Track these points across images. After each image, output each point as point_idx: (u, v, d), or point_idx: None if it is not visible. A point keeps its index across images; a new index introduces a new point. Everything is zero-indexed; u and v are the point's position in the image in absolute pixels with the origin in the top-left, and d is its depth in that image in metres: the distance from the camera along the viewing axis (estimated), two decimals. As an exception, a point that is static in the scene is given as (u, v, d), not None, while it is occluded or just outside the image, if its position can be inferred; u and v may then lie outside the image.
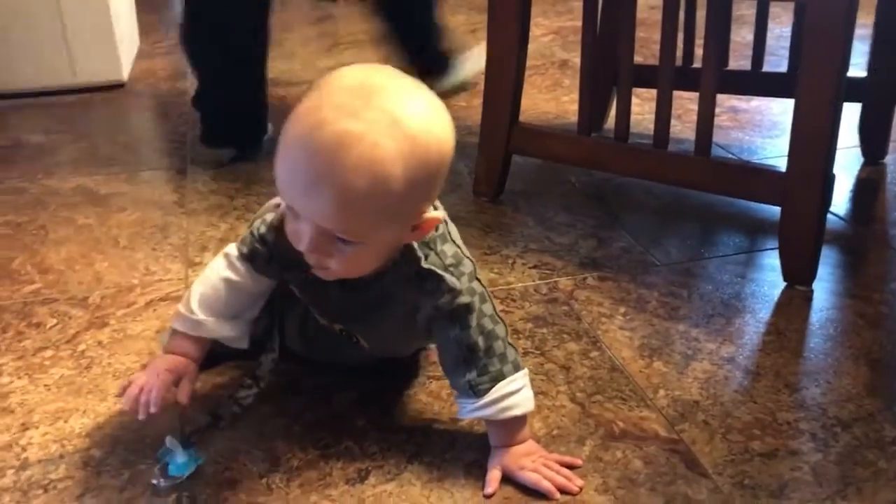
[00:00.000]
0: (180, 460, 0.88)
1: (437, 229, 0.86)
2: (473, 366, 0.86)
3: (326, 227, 0.75)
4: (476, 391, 0.87)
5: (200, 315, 0.92)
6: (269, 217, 0.90)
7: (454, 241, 0.88)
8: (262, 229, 0.90)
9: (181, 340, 0.93)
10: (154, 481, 0.88)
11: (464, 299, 0.85)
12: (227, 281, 0.93)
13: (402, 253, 0.84)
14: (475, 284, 0.87)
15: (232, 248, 0.94)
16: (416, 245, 0.84)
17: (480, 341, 0.86)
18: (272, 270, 0.92)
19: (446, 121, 0.77)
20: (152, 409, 0.86)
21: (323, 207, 0.73)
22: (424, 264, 0.84)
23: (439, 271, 0.84)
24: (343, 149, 0.70)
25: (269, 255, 0.90)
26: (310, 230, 0.76)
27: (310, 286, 0.90)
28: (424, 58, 1.98)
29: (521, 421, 0.89)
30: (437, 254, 0.85)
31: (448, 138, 0.76)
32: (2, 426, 0.97)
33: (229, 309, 0.93)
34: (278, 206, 0.88)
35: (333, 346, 1.00)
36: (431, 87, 0.77)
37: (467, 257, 0.87)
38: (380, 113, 0.71)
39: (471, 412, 0.88)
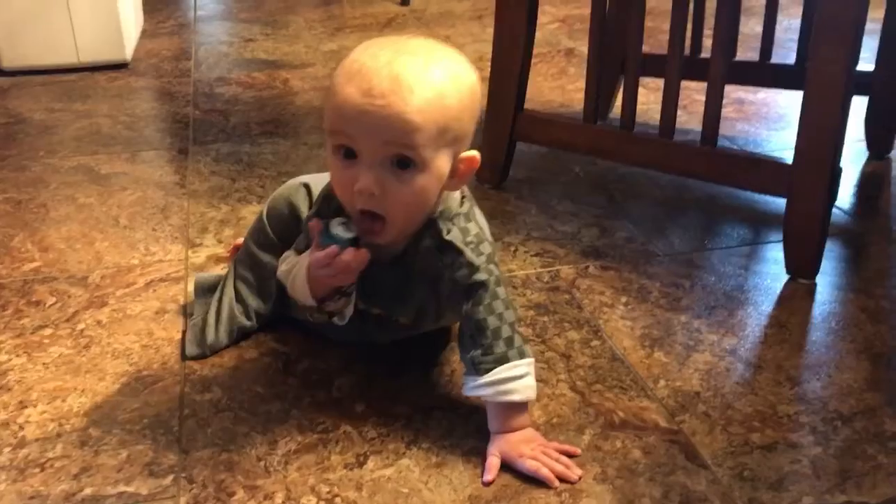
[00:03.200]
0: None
1: (462, 205, 0.90)
2: (479, 344, 0.88)
3: (389, 149, 0.80)
4: (478, 369, 0.88)
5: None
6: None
7: (477, 222, 0.91)
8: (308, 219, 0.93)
9: None
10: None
11: (480, 276, 0.88)
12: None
13: (426, 226, 0.88)
14: (492, 267, 0.89)
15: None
16: (439, 220, 0.88)
17: (490, 321, 0.88)
18: None
19: (471, 69, 0.86)
20: None
21: (394, 115, 0.78)
22: (446, 237, 0.88)
23: (459, 245, 0.88)
24: (406, 67, 0.79)
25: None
26: (369, 161, 0.81)
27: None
28: None
29: (519, 408, 0.89)
30: (459, 230, 0.89)
31: (475, 82, 0.86)
32: (-1, 403, 0.97)
33: None
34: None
35: (364, 329, 1.01)
36: None
37: (488, 240, 0.91)
38: (420, 48, 0.82)
39: (471, 389, 0.89)
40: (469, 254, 0.88)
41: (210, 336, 1.05)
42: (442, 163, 0.83)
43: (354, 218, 0.85)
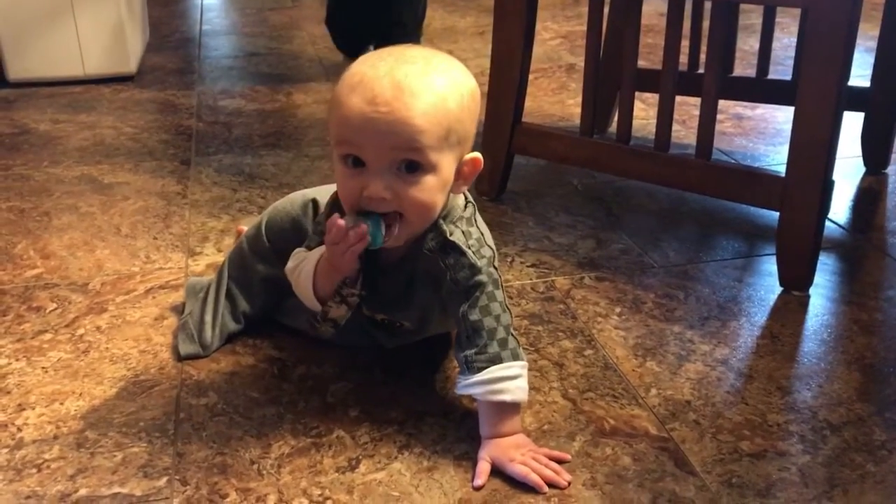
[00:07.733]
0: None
1: (465, 210, 0.92)
2: (474, 344, 0.90)
3: (397, 154, 0.82)
4: (470, 367, 0.90)
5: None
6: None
7: (479, 227, 0.93)
8: (322, 219, 0.95)
9: None
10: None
11: (480, 278, 0.90)
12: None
13: (430, 229, 0.90)
14: (492, 270, 0.91)
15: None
16: (443, 223, 0.90)
17: (486, 322, 0.89)
18: None
19: (469, 74, 0.88)
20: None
21: (398, 120, 0.80)
22: (450, 237, 0.90)
23: (462, 246, 0.90)
24: (406, 74, 0.82)
25: None
26: (377, 168, 0.82)
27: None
28: None
29: (510, 411, 0.90)
30: (462, 232, 0.91)
31: (474, 86, 0.88)
32: (-2, 406, 0.98)
33: None
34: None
35: (370, 333, 1.04)
36: None
37: (489, 245, 0.92)
38: (418, 56, 0.85)
39: (463, 388, 0.91)
40: (471, 255, 0.90)
41: (207, 334, 1.07)
42: (448, 164, 0.85)
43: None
